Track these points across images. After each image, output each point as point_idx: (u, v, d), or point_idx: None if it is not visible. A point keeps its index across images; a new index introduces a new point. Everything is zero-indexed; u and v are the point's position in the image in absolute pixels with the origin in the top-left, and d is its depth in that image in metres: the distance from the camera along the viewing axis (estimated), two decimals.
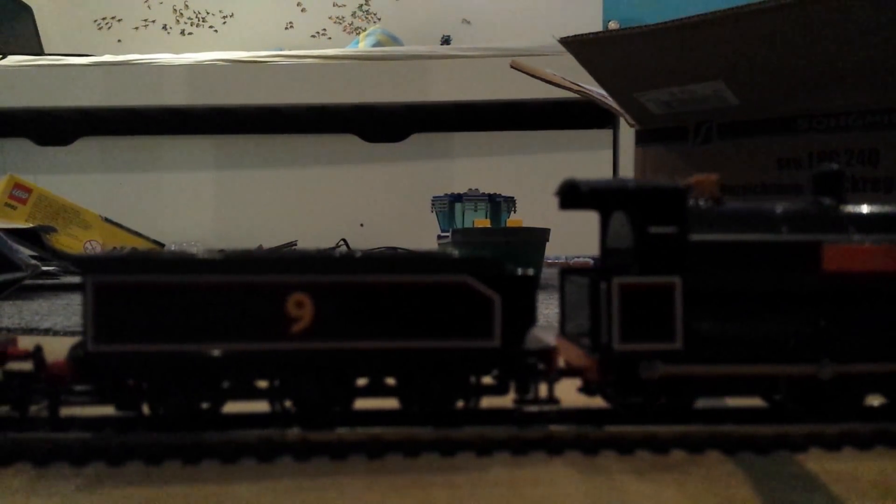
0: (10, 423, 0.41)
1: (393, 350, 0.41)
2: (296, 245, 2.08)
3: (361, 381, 0.43)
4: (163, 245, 1.69)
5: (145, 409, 0.42)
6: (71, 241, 1.62)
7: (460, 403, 0.43)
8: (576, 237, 2.14)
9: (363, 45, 2.76)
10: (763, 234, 0.43)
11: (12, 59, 2.44)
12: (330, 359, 0.41)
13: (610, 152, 2.33)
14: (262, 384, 0.42)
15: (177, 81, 2.36)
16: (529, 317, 0.42)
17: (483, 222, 1.62)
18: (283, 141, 2.46)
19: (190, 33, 3.18)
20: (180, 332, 0.40)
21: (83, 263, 0.39)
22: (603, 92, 1.06)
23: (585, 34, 0.91)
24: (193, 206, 2.45)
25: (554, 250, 1.57)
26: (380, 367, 0.42)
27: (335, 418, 0.42)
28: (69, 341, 0.41)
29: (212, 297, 0.40)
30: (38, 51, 2.73)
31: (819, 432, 0.42)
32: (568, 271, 0.47)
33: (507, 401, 0.44)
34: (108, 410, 0.42)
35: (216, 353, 0.40)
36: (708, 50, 0.85)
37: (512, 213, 1.81)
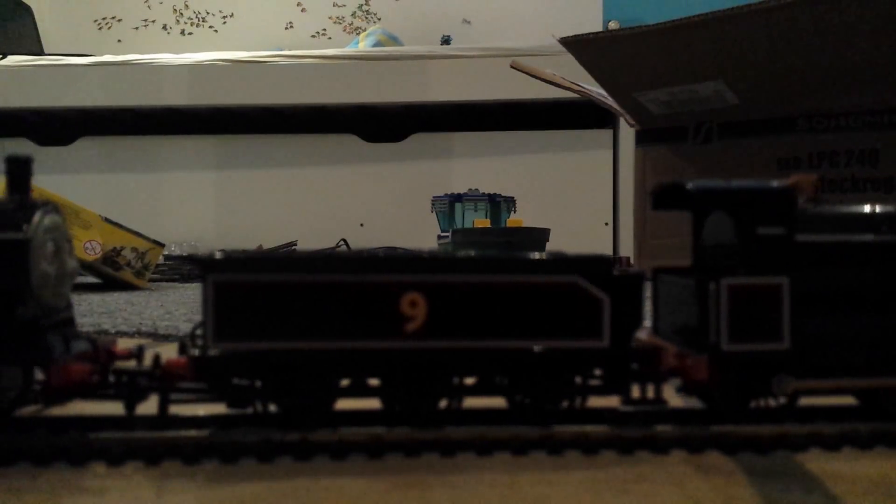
0: (117, 422, 0.41)
1: (504, 350, 0.42)
2: (296, 245, 2.08)
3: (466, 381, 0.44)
4: (163, 245, 1.69)
5: (255, 407, 0.42)
6: None
7: (565, 403, 0.44)
8: (576, 237, 2.15)
9: (363, 45, 2.76)
10: (867, 235, 0.44)
11: (12, 59, 2.44)
12: (442, 358, 0.41)
13: (610, 152, 2.33)
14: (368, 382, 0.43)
15: (177, 81, 2.37)
16: (637, 317, 0.43)
17: (483, 222, 1.62)
18: (283, 141, 2.46)
19: (190, 33, 3.18)
20: (297, 331, 0.40)
21: (204, 263, 0.40)
22: (603, 92, 1.06)
23: (585, 34, 0.91)
24: (193, 206, 2.45)
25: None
26: (490, 366, 0.42)
27: (443, 417, 0.43)
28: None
29: (328, 295, 0.40)
30: (38, 51, 2.73)
31: (819, 432, 0.43)
32: (662, 271, 0.47)
33: (610, 401, 0.44)
34: (206, 409, 0.42)
35: (332, 351, 0.40)
36: (708, 50, 0.85)
37: (512, 213, 1.81)
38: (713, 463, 0.41)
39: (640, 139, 1.06)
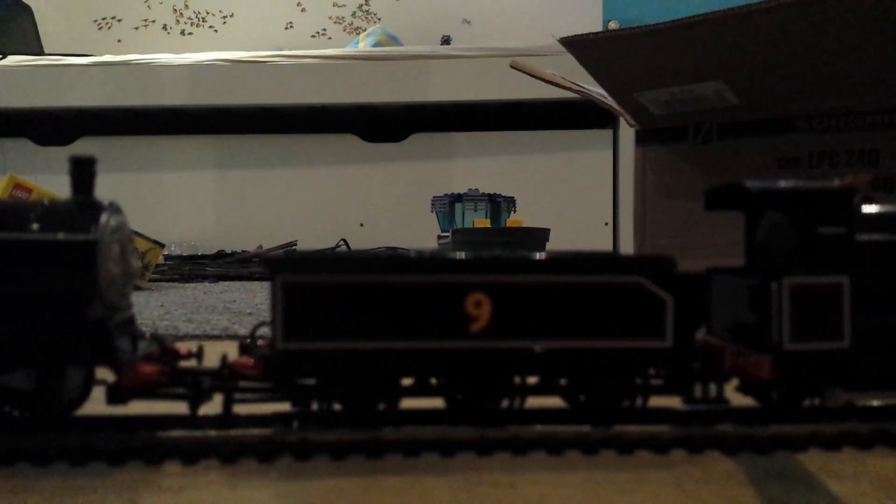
0: (181, 422, 0.42)
1: (567, 349, 0.42)
2: (296, 245, 2.08)
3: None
4: (163, 245, 1.69)
5: (320, 405, 0.43)
6: None
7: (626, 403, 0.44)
8: (576, 237, 2.14)
9: (363, 45, 2.76)
10: None
11: (12, 59, 2.44)
12: (506, 357, 0.42)
13: (610, 152, 2.33)
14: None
15: (177, 81, 2.36)
16: (700, 317, 0.43)
17: (483, 222, 1.62)
18: (283, 141, 2.46)
19: (190, 33, 3.18)
20: (365, 331, 0.41)
21: (273, 263, 0.41)
22: (603, 92, 1.06)
23: (585, 34, 0.91)
24: (193, 206, 2.44)
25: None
26: (554, 366, 0.43)
27: (506, 416, 0.43)
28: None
29: (395, 296, 0.41)
30: (38, 51, 2.73)
31: (819, 432, 0.43)
32: (716, 271, 0.48)
33: (666, 400, 0.44)
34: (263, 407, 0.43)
35: (399, 350, 0.41)
36: (708, 50, 0.85)
37: (512, 213, 1.81)
38: (713, 463, 0.41)
39: (640, 139, 1.06)
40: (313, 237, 2.22)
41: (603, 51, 0.93)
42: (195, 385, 0.42)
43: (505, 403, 0.43)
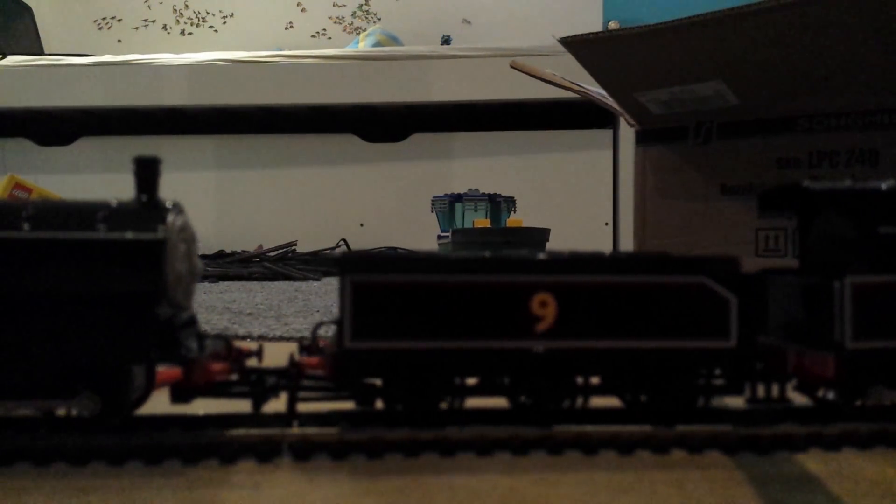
0: (245, 420, 0.42)
1: (633, 350, 0.42)
2: (296, 245, 2.08)
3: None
4: None
5: (385, 403, 0.43)
6: None
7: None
8: (576, 237, 2.15)
9: (363, 45, 2.76)
10: None
11: (12, 59, 2.44)
12: (572, 357, 0.42)
13: (610, 152, 2.33)
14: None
15: (177, 81, 2.36)
16: (763, 317, 0.44)
17: (483, 222, 1.62)
18: (283, 141, 2.46)
19: (190, 33, 3.18)
20: (430, 330, 0.41)
21: (342, 263, 0.41)
22: (603, 92, 1.06)
23: (585, 34, 0.91)
24: (193, 206, 2.42)
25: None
26: (619, 365, 0.43)
27: (568, 416, 0.43)
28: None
29: (462, 295, 0.41)
30: (38, 51, 2.73)
31: (819, 432, 0.43)
32: (772, 272, 0.48)
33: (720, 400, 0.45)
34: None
35: (465, 350, 0.42)
36: (708, 50, 0.85)
37: (512, 213, 1.81)
38: (713, 463, 0.41)
39: (640, 139, 1.06)
40: (313, 237, 2.22)
41: (603, 51, 0.93)
42: (260, 383, 0.42)
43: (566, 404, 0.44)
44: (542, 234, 1.45)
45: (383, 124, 2.46)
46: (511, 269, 0.42)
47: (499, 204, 1.77)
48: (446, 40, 2.98)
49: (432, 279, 0.41)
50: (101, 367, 0.40)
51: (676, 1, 2.24)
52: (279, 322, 0.97)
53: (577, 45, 0.93)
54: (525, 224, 1.49)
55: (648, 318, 0.42)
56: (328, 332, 0.45)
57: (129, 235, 0.39)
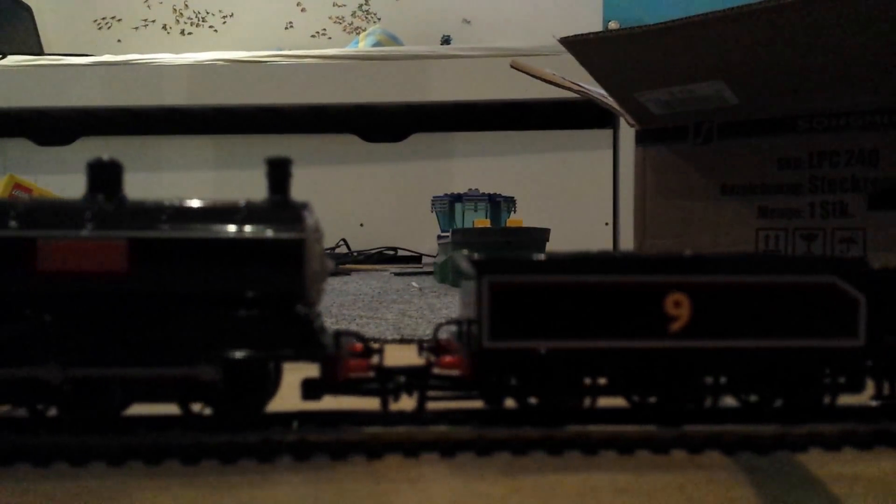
0: (377, 418, 0.43)
1: (764, 349, 0.43)
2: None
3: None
4: None
5: (516, 402, 0.44)
6: None
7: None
8: (576, 237, 2.14)
9: (363, 45, 2.76)
10: None
11: (12, 59, 2.44)
12: (704, 357, 0.43)
13: (610, 152, 2.33)
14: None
15: (177, 81, 2.36)
16: (892, 316, 0.44)
17: (483, 222, 1.62)
18: (283, 141, 2.46)
19: (190, 33, 3.18)
20: (565, 330, 0.42)
21: (480, 265, 0.42)
22: (603, 92, 1.06)
23: (585, 34, 0.91)
24: None
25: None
26: (750, 364, 0.44)
27: (691, 416, 0.44)
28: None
29: (596, 295, 0.42)
30: (38, 51, 2.73)
31: (819, 432, 0.42)
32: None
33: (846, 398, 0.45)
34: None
35: (600, 349, 0.42)
36: (708, 50, 0.85)
37: (512, 213, 1.81)
38: (713, 463, 0.41)
39: (640, 139, 1.06)
40: None
41: (603, 51, 0.92)
42: (390, 381, 0.43)
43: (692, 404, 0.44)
44: (542, 234, 1.45)
45: (383, 124, 2.45)
46: (645, 269, 0.43)
47: (499, 204, 1.77)
48: (446, 40, 2.98)
49: (566, 280, 0.42)
50: (244, 365, 0.40)
51: (676, 1, 2.24)
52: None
53: (577, 45, 0.93)
54: (525, 224, 1.48)
55: (779, 318, 0.43)
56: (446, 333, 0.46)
57: (272, 235, 0.40)
